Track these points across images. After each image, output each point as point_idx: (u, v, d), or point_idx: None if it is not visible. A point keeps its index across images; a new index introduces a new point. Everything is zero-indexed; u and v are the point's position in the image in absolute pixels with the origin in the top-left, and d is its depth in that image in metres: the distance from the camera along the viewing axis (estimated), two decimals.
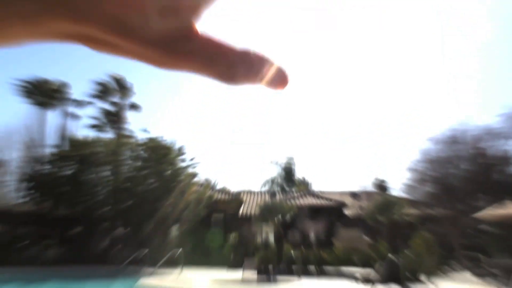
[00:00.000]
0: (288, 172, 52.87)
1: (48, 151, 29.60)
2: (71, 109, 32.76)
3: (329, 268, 20.21)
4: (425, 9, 54.16)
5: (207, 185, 32.24)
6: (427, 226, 24.41)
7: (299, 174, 54.57)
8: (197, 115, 67.15)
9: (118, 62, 50.92)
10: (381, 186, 38.02)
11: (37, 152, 30.05)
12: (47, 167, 28.00)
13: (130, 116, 33.45)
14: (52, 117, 32.09)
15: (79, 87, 47.62)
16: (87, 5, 0.41)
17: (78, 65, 53.38)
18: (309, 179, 57.32)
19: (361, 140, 72.67)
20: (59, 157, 27.67)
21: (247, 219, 29.62)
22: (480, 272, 19.65)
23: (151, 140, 28.78)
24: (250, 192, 37.35)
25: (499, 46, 50.17)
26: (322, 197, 31.63)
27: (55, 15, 0.41)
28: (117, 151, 28.64)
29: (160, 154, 28.02)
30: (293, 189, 47.84)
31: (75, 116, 32.81)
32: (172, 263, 20.75)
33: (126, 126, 32.55)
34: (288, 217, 25.64)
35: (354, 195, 34.82)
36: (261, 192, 38.61)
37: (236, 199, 32.63)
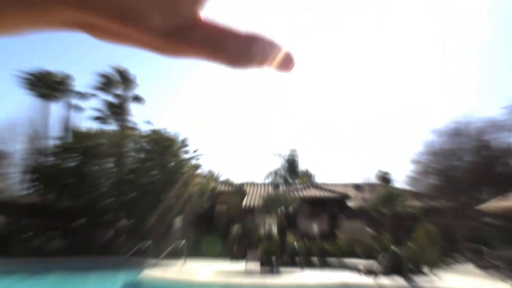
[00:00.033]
0: (291, 164, 52.89)
1: (51, 143, 29.64)
2: (75, 101, 32.77)
3: (332, 260, 20.23)
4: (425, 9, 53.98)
5: (210, 176, 32.30)
6: (430, 218, 24.41)
7: (302, 166, 54.62)
8: (201, 107, 67.12)
9: (121, 54, 50.94)
10: (384, 178, 38.01)
11: (40, 144, 30.09)
12: (50, 159, 28.07)
13: (134, 108, 33.47)
14: (56, 109, 32.12)
15: (83, 79, 47.64)
16: None
17: (81, 57, 53.29)
18: (312, 171, 57.40)
19: (365, 132, 72.63)
20: (63, 149, 27.73)
21: (251, 211, 29.68)
22: (483, 264, 19.67)
23: (155, 132, 28.80)
24: (253, 184, 37.41)
25: (500, 42, 49.90)
26: (325, 189, 31.63)
27: (59, 3, 0.40)
28: (121, 143, 28.69)
29: (163, 146, 28.05)
30: (296, 181, 47.92)
31: (78, 108, 32.81)
32: (176, 254, 20.81)
33: (130, 118, 32.55)
34: (291, 209, 25.67)
35: (357, 187, 34.84)
36: (264, 184, 38.65)
37: (239, 191, 32.68)
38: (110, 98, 32.26)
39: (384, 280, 15.21)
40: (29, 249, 23.05)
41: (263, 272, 18.06)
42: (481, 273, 18.18)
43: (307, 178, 53.00)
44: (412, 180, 33.17)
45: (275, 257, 19.86)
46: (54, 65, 41.14)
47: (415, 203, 27.43)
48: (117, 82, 32.25)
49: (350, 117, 72.34)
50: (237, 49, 0.51)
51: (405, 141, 68.12)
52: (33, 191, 27.68)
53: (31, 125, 31.24)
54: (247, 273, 17.84)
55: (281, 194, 27.76)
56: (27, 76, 29.78)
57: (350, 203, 30.21)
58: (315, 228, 28.12)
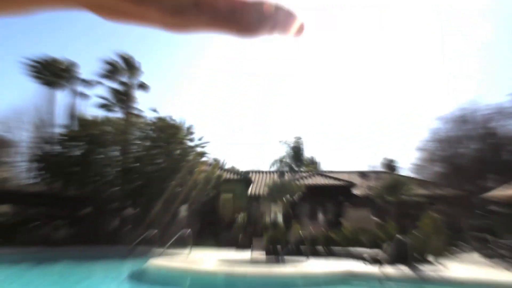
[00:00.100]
0: (296, 152, 52.67)
1: (57, 131, 29.67)
2: (80, 88, 32.79)
3: (337, 249, 20.26)
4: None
5: (216, 164, 32.30)
6: (435, 206, 24.41)
7: (307, 153, 54.56)
8: (206, 94, 67.09)
9: (126, 41, 50.88)
10: (390, 166, 38.08)
11: (46, 132, 30.17)
12: (56, 147, 28.13)
13: (139, 96, 33.43)
14: (61, 97, 32.16)
15: (88, 67, 47.62)
16: None
17: (86, 44, 53.29)
18: (317, 158, 57.45)
19: (370, 120, 72.47)
20: (69, 138, 27.77)
21: (256, 199, 29.73)
22: (488, 253, 19.65)
23: (160, 119, 28.76)
24: (258, 172, 37.46)
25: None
26: (330, 177, 31.66)
27: None
28: (126, 130, 28.70)
29: (169, 133, 28.03)
30: (302, 169, 47.86)
31: (84, 96, 32.85)
32: (181, 243, 20.89)
33: (135, 105, 32.54)
34: (296, 197, 25.70)
35: (363, 174, 34.87)
36: (269, 172, 38.67)
37: (244, 179, 32.72)
38: (115, 85, 32.23)
39: (389, 268, 15.24)
40: (35, 238, 23.19)
41: (268, 261, 18.14)
42: (486, 262, 18.18)
43: (312, 165, 53.07)
44: (418, 167, 33.20)
45: (280, 246, 19.91)
46: (59, 52, 41.07)
47: (421, 191, 27.41)
48: (122, 69, 32.18)
49: (356, 105, 72.19)
50: (248, 16, 0.51)
51: (410, 129, 68.03)
52: (39, 180, 27.80)
53: (36, 113, 31.34)
54: (253, 262, 17.91)
55: (287, 182, 27.79)
56: (32, 63, 29.81)
57: (355, 191, 30.23)
58: (320, 216, 28.19)
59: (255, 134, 75.67)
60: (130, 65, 32.41)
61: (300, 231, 21.10)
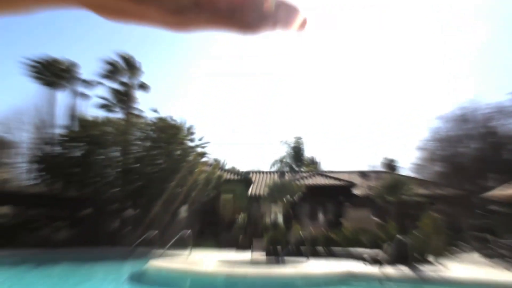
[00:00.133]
0: (297, 152, 52.79)
1: (57, 131, 29.63)
2: (81, 89, 32.76)
3: (337, 249, 20.25)
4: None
5: (216, 165, 32.29)
6: (436, 206, 24.39)
7: (308, 153, 54.60)
8: (206, 94, 67.10)
9: (127, 41, 50.86)
10: (390, 166, 38.05)
11: (47, 133, 30.14)
12: (57, 148, 28.10)
13: (139, 96, 33.41)
14: (62, 97, 32.13)
15: (88, 67, 47.59)
16: None
17: (87, 45, 53.28)
18: (318, 158, 57.45)
19: (371, 120, 72.44)
20: (69, 138, 27.74)
21: (256, 199, 29.72)
22: (488, 253, 19.64)
23: (161, 120, 28.72)
24: (259, 172, 37.46)
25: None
26: (331, 177, 31.64)
27: None
28: (127, 131, 28.66)
29: (169, 134, 28.00)
30: (302, 169, 47.88)
31: (84, 96, 32.82)
32: (181, 244, 20.88)
33: (136, 106, 32.52)
34: (297, 197, 25.68)
35: (363, 174, 34.84)
36: (270, 172, 38.68)
37: (245, 179, 32.71)
38: (116, 85, 32.22)
39: (389, 269, 15.23)
40: (36, 240, 23.19)
41: (268, 262, 18.13)
42: (486, 261, 18.17)
43: (312, 165, 53.09)
44: (418, 167, 33.18)
45: (280, 247, 19.90)
46: (59, 53, 40.95)
47: (421, 190, 27.38)
48: (123, 69, 32.17)
49: (356, 105, 72.14)
50: (248, 14, 0.51)
51: (411, 128, 67.99)
52: (39, 181, 27.78)
53: (37, 113, 31.28)
54: (253, 262, 17.91)
55: (287, 182, 27.75)
56: (33, 63, 29.78)
57: (356, 191, 30.20)
58: (320, 216, 28.18)
59: (255, 134, 75.61)
60: (130, 65, 32.41)
61: (300, 232, 21.09)
